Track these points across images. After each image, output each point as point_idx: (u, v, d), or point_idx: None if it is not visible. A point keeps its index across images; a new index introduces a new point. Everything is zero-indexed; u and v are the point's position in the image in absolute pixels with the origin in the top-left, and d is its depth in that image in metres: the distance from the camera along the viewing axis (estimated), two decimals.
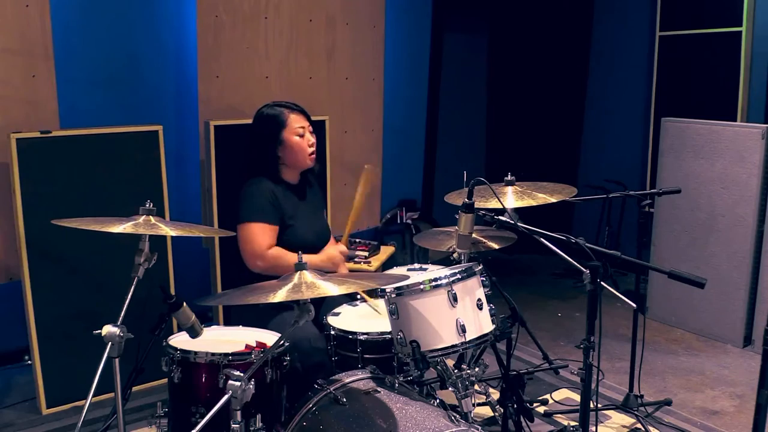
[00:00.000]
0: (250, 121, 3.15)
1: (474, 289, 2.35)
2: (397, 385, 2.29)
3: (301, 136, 2.91)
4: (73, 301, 3.30)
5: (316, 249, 2.95)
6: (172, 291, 3.43)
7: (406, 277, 2.27)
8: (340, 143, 4.42)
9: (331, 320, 2.72)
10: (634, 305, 2.54)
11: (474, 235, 2.53)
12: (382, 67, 4.64)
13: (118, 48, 3.86)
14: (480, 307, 2.34)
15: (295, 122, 2.92)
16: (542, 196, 2.70)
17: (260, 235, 2.78)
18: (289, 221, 2.87)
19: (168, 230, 2.23)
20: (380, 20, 4.56)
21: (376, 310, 2.82)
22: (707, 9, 4.72)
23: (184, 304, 2.23)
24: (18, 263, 3.21)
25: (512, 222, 2.40)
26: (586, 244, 2.17)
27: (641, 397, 3.39)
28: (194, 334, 2.27)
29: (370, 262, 3.89)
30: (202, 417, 1.98)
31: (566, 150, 6.06)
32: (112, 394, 2.07)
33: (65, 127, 3.37)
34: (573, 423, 3.22)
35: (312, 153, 2.94)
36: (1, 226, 3.25)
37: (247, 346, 2.40)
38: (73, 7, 3.65)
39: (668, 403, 3.46)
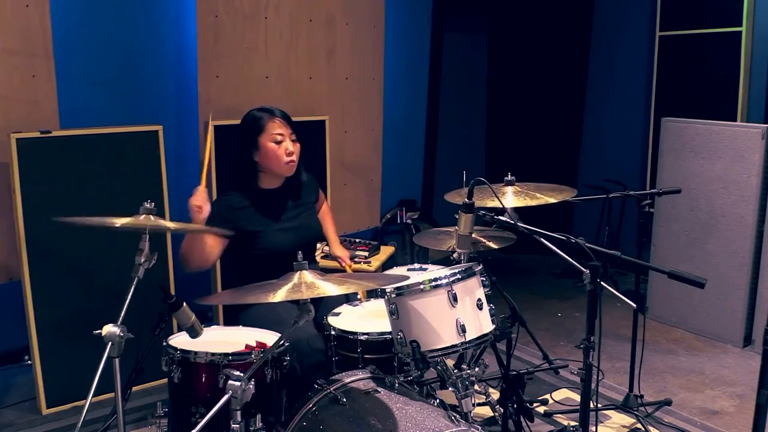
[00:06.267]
0: None
1: (474, 289, 2.35)
2: (397, 385, 2.29)
3: (278, 143, 2.85)
4: (73, 301, 3.30)
5: (297, 251, 2.87)
6: (172, 291, 3.43)
7: (406, 278, 2.27)
8: (340, 143, 4.42)
9: (332, 320, 2.72)
10: (634, 305, 2.54)
11: (474, 235, 2.53)
12: (382, 67, 4.64)
13: (118, 48, 3.86)
14: (480, 307, 2.34)
15: (274, 128, 2.85)
16: (541, 197, 2.71)
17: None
18: (257, 228, 2.84)
19: (168, 224, 2.27)
20: (380, 20, 4.56)
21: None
22: (707, 9, 4.72)
23: (184, 304, 2.23)
24: (18, 263, 3.21)
25: (512, 222, 2.40)
26: (586, 244, 2.17)
27: (641, 397, 3.39)
28: (194, 334, 2.27)
29: (370, 262, 3.89)
30: (202, 417, 1.98)
31: (566, 150, 6.06)
32: (112, 394, 2.07)
33: (65, 127, 3.37)
34: (573, 423, 3.22)
35: (289, 161, 2.87)
36: (1, 226, 3.25)
37: (247, 346, 2.40)
38: (73, 7, 3.65)
39: (668, 403, 3.46)
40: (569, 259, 2.21)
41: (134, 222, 2.18)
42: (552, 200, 2.70)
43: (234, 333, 2.58)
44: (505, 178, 2.83)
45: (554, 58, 5.89)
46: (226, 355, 2.28)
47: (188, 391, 2.31)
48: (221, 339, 2.50)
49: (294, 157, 2.89)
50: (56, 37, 3.32)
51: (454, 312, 2.27)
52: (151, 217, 2.24)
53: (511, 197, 2.73)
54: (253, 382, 1.94)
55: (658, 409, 3.40)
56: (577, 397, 3.41)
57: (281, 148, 2.86)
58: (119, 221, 2.18)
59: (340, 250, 3.36)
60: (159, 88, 4.07)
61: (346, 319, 2.75)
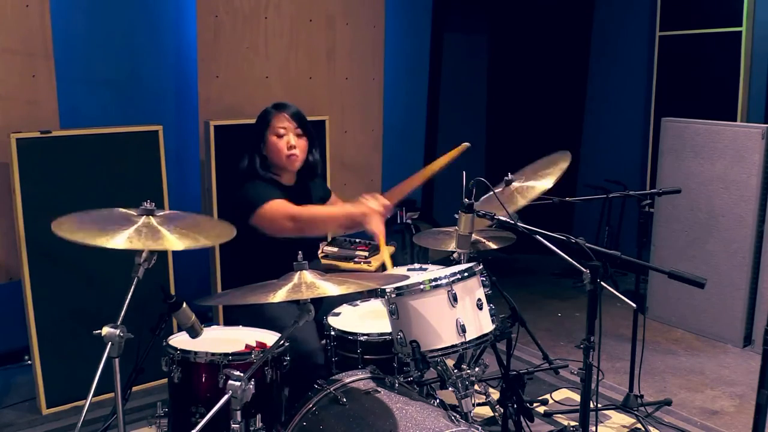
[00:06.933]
0: (249, 121, 3.14)
1: (474, 289, 2.35)
2: (397, 385, 2.29)
3: (280, 136, 2.88)
4: (73, 301, 3.30)
5: (310, 248, 2.92)
6: (172, 291, 3.43)
7: (406, 277, 2.27)
8: (340, 143, 4.42)
9: (332, 321, 2.72)
10: (634, 305, 2.54)
11: (474, 235, 2.53)
12: (382, 67, 4.64)
13: (118, 48, 3.86)
14: (480, 307, 2.34)
15: (277, 122, 2.90)
16: (540, 177, 2.71)
17: (281, 205, 2.74)
18: None
19: (171, 242, 2.06)
20: (380, 20, 4.56)
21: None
22: (707, 9, 4.72)
23: (184, 304, 2.23)
24: (18, 263, 3.21)
25: (512, 222, 2.40)
26: (586, 244, 2.17)
27: (641, 397, 3.39)
28: (194, 334, 2.27)
29: (370, 262, 3.89)
30: (202, 417, 1.98)
31: (566, 150, 6.05)
32: (112, 394, 2.06)
33: (65, 127, 3.37)
34: (573, 423, 3.22)
35: (290, 155, 2.88)
36: (1, 226, 3.25)
37: (247, 346, 2.41)
38: (73, 7, 3.66)
39: (668, 403, 3.46)
40: (569, 259, 2.21)
41: (130, 245, 2.02)
42: (551, 178, 2.70)
43: (234, 333, 2.58)
44: (505, 178, 2.83)
45: (554, 58, 5.89)
46: (226, 355, 2.28)
47: (188, 391, 2.31)
48: (221, 339, 2.50)
49: (295, 152, 2.90)
50: (56, 37, 3.32)
51: (454, 312, 2.27)
52: (151, 219, 2.22)
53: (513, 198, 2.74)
54: (253, 382, 1.94)
55: (658, 409, 3.40)
56: (577, 397, 3.41)
57: (282, 141, 2.89)
58: (114, 242, 2.00)
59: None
60: (159, 88, 4.07)
61: (346, 320, 2.75)
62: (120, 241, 1.99)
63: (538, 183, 2.73)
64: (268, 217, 2.74)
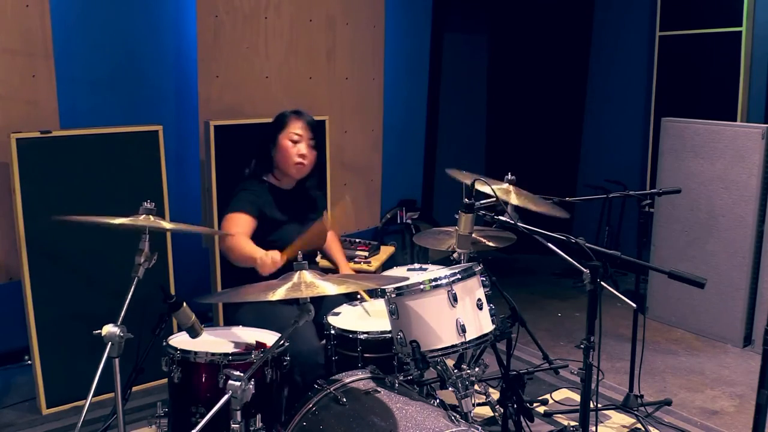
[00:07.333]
0: (250, 121, 3.15)
1: (474, 289, 2.35)
2: (397, 385, 2.29)
3: (294, 142, 2.93)
4: (73, 301, 3.30)
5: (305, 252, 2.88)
6: (172, 291, 3.43)
7: (406, 278, 2.27)
8: (340, 143, 4.42)
9: (332, 320, 2.72)
10: (634, 305, 2.54)
11: (474, 235, 2.53)
12: (382, 67, 4.64)
13: (118, 48, 3.86)
14: (480, 307, 2.34)
15: (294, 128, 2.94)
16: (533, 206, 2.72)
17: (233, 222, 2.81)
18: (275, 223, 2.89)
19: (166, 224, 2.29)
20: (380, 20, 4.56)
21: (367, 313, 2.85)
22: (707, 9, 4.72)
23: (184, 304, 2.23)
24: (18, 263, 3.21)
25: (512, 222, 2.40)
26: (586, 244, 2.17)
27: (641, 397, 3.39)
28: (194, 334, 2.27)
29: (370, 262, 3.89)
30: (202, 417, 1.98)
31: (566, 150, 6.06)
32: (112, 394, 2.07)
33: (65, 127, 3.37)
34: (573, 423, 3.22)
35: (298, 163, 2.93)
36: (1, 226, 3.25)
37: (247, 346, 2.41)
38: (73, 7, 3.65)
39: (668, 403, 3.46)
40: (569, 259, 2.21)
41: (133, 222, 2.18)
42: (543, 210, 2.71)
43: (234, 333, 2.58)
44: (506, 177, 2.83)
45: (554, 58, 5.89)
46: (226, 355, 2.29)
47: (188, 391, 2.31)
48: (221, 339, 2.50)
49: (304, 161, 2.95)
50: (56, 37, 3.32)
51: (454, 312, 2.27)
52: (151, 217, 2.24)
53: (511, 195, 2.74)
54: (253, 382, 1.94)
55: (658, 409, 3.40)
56: (577, 397, 3.41)
57: (295, 147, 2.93)
58: (117, 220, 2.18)
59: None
60: (159, 88, 4.07)
61: (345, 319, 2.75)
62: (124, 219, 2.19)
63: (531, 205, 2.73)
64: (224, 226, 2.83)
